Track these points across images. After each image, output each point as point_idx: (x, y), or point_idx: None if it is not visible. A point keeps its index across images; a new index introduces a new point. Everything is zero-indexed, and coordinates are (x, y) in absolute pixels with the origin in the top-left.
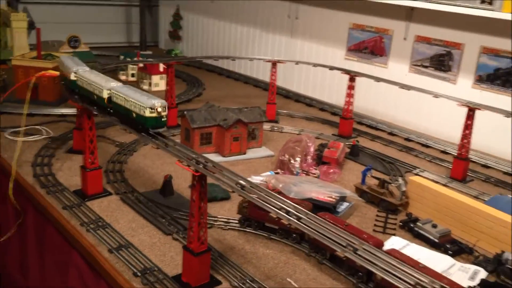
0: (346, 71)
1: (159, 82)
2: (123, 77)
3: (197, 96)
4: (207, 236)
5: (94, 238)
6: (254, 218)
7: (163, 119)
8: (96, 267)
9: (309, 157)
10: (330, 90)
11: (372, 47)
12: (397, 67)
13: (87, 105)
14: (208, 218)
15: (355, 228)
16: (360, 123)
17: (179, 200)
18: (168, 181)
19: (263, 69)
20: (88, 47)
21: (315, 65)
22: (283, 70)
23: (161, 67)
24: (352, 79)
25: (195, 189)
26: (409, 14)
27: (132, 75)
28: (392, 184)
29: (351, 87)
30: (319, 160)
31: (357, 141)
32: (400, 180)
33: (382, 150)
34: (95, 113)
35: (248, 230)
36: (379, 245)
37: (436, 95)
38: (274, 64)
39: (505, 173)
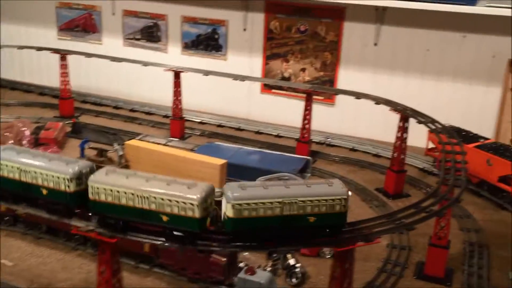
0: (56, 50)
1: None
2: None
3: None
4: None
5: None
6: None
7: None
8: None
9: (24, 141)
10: (48, 73)
11: (84, 25)
12: (111, 42)
13: None
14: None
15: None
16: (84, 101)
17: None
18: None
19: None
20: None
21: (19, 47)
22: None
23: None
24: (63, 58)
25: None
26: None
27: None
28: (110, 151)
29: (64, 66)
30: (36, 142)
31: (77, 118)
32: (116, 146)
33: (106, 124)
34: None
35: None
36: None
37: (146, 64)
38: None
39: (218, 126)
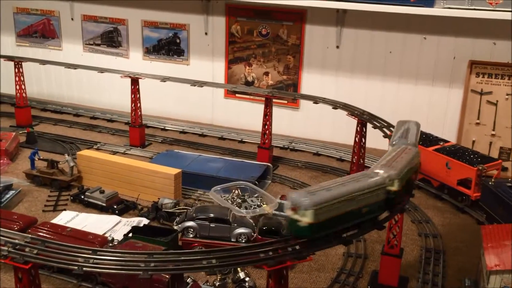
0: (10, 58)
1: None
2: None
3: None
4: None
5: None
6: None
7: None
8: None
9: None
10: (7, 80)
11: (42, 30)
12: (71, 48)
13: None
14: None
15: (6, 213)
16: (44, 109)
17: None
18: None
19: None
20: None
21: None
22: None
23: None
24: (18, 66)
25: None
26: None
27: None
28: (61, 162)
29: (19, 74)
30: None
31: (32, 128)
32: (67, 157)
33: (65, 132)
34: None
35: None
36: (31, 222)
37: (102, 71)
38: None
39: (181, 132)
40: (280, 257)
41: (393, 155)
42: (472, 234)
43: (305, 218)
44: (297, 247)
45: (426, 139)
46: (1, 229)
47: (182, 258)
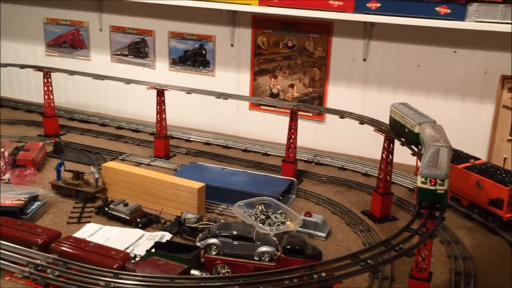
0: (39, 68)
1: None
2: None
3: None
4: None
5: None
6: None
7: None
8: None
9: (1, 163)
10: (37, 89)
11: (72, 41)
12: (99, 58)
13: None
14: None
15: (30, 226)
16: (71, 119)
17: None
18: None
19: None
20: None
21: (4, 65)
22: None
23: None
24: (47, 76)
25: None
26: (100, 5)
27: None
28: (86, 174)
29: (47, 84)
30: (14, 163)
31: (59, 138)
32: (92, 169)
33: (91, 142)
34: None
35: None
36: (55, 236)
37: (128, 82)
38: None
39: (205, 143)
40: (306, 285)
41: None
42: (503, 257)
43: (443, 187)
44: (323, 274)
45: (456, 156)
46: (23, 248)
47: (203, 284)
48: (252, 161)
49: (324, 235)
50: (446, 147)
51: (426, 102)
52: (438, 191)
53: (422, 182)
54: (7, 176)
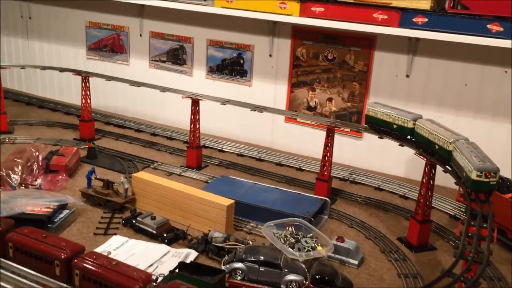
0: (77, 72)
1: None
2: None
3: None
4: None
5: None
6: None
7: None
8: None
9: (35, 167)
10: (77, 91)
11: (112, 45)
12: (138, 64)
13: None
14: None
15: (55, 238)
16: (108, 123)
17: None
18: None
19: None
20: None
21: (43, 68)
22: (22, 75)
23: None
24: (85, 80)
25: None
26: (141, 11)
27: None
28: (116, 184)
29: (85, 88)
30: (47, 168)
31: (93, 143)
32: (122, 178)
33: (125, 149)
34: None
35: None
36: (79, 251)
37: (164, 90)
38: None
39: (238, 155)
40: None
41: None
42: None
43: (495, 178)
44: None
45: (503, 184)
46: (44, 277)
47: None
48: (285, 176)
49: (356, 262)
50: (469, 141)
51: (473, 123)
52: (491, 182)
53: (478, 176)
54: (38, 181)
